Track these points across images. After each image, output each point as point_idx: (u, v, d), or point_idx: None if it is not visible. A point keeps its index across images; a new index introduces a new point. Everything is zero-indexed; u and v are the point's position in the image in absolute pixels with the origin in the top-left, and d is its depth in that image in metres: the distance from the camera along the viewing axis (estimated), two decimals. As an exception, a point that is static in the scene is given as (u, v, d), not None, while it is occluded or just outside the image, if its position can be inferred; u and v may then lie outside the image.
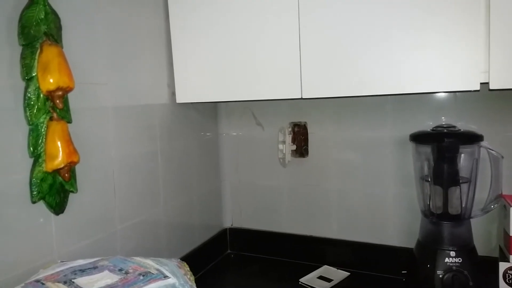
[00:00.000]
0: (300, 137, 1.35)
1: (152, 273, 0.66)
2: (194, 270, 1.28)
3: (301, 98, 1.02)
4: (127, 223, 1.00)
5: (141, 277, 0.65)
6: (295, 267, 1.31)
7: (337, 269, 1.27)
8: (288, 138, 1.31)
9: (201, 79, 1.12)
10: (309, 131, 1.32)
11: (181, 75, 1.16)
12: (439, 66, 0.87)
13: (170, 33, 1.14)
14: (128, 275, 0.66)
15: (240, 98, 1.12)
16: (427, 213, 1.07)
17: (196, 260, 1.30)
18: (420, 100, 1.16)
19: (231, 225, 1.48)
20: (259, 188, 1.42)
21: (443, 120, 1.13)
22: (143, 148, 1.06)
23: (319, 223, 1.34)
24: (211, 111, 1.41)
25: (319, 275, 1.23)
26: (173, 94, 1.17)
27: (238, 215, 1.47)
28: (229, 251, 1.48)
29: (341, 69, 0.96)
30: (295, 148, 1.34)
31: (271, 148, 1.37)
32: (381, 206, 1.24)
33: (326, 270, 1.27)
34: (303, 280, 1.20)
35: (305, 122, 1.33)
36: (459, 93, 1.12)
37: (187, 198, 1.28)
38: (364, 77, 0.94)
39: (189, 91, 1.16)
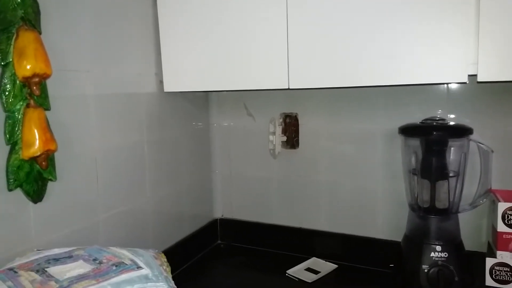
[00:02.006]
0: (292, 128, 1.34)
1: (126, 264, 0.66)
2: (183, 259, 1.30)
3: (288, 89, 1.00)
4: (111, 212, 0.99)
5: (114, 267, 0.64)
6: (284, 259, 1.31)
7: (326, 261, 1.26)
8: (278, 129, 1.30)
9: (189, 68, 1.11)
10: (300, 123, 1.31)
11: (169, 63, 1.14)
12: (428, 57, 0.86)
13: (158, 20, 1.12)
14: (102, 265, 0.65)
15: (228, 88, 1.11)
16: (415, 207, 1.06)
17: (185, 250, 1.30)
18: (411, 92, 1.14)
19: (222, 216, 1.48)
20: (250, 179, 1.41)
21: (435, 113, 1.11)
22: (129, 137, 1.06)
23: (309, 215, 1.33)
24: (202, 101, 1.40)
25: (306, 267, 1.23)
26: (160, 82, 1.15)
27: (228, 206, 1.46)
28: (219, 241, 1.47)
29: (328, 59, 0.94)
30: (285, 140, 1.32)
31: (263, 139, 1.36)
32: (371, 199, 1.23)
33: (314, 262, 1.26)
34: (290, 271, 1.19)
35: (296, 113, 1.32)
36: (450, 86, 1.10)
37: (177, 188, 1.27)
38: (352, 68, 0.92)
39: (177, 80, 1.14)
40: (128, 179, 1.05)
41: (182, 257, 1.29)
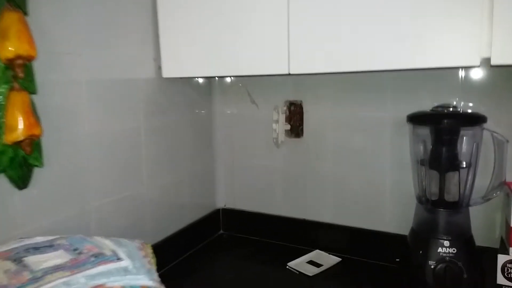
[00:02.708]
0: (296, 117, 1.29)
1: (105, 255, 0.62)
2: (183, 249, 1.27)
3: (289, 74, 0.95)
4: (104, 200, 0.97)
5: (92, 259, 0.61)
6: (287, 251, 1.27)
7: (329, 254, 1.21)
8: (282, 117, 1.25)
9: (188, 53, 1.07)
10: (305, 110, 1.26)
11: (168, 48, 1.10)
12: (438, 40, 0.79)
13: (157, 2, 1.08)
14: (81, 255, 0.62)
15: (228, 73, 1.08)
16: (422, 200, 1.00)
17: (185, 240, 1.27)
18: (422, 78, 1.07)
19: (224, 205, 1.44)
20: (253, 168, 1.37)
21: (446, 101, 1.04)
22: (124, 123, 1.02)
23: (313, 207, 1.28)
24: (204, 88, 1.36)
25: (309, 260, 1.19)
26: (159, 68, 1.12)
27: (231, 196, 1.43)
28: (221, 231, 1.44)
29: (332, 42, 0.89)
30: (289, 128, 1.28)
31: (266, 127, 1.31)
32: (378, 190, 1.17)
33: (317, 254, 1.22)
34: (291, 264, 1.15)
35: (301, 101, 1.26)
36: (463, 71, 1.03)
37: (177, 177, 1.24)
38: (357, 51, 0.87)
39: (176, 65, 1.10)
40: (122, 166, 1.02)
41: (182, 246, 1.27)
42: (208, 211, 1.40)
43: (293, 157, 1.29)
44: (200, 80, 1.33)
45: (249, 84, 1.33)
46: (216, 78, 1.38)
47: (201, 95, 1.34)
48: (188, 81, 1.26)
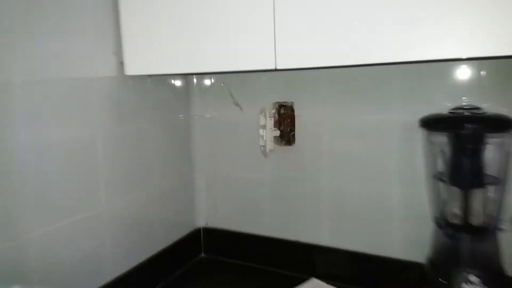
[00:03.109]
0: (287, 121, 1.10)
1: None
2: (157, 276, 1.08)
3: (275, 69, 0.77)
4: (46, 228, 0.77)
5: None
6: (278, 278, 1.09)
7: (327, 283, 1.02)
8: (270, 122, 1.07)
9: (158, 45, 0.88)
10: (296, 114, 1.07)
11: (132, 39, 0.91)
12: (453, 24, 0.61)
13: (116, -15, 0.89)
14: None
15: (204, 69, 0.88)
16: (441, 223, 0.82)
17: (159, 266, 1.08)
18: (435, 74, 0.89)
19: (206, 224, 1.25)
20: (238, 181, 1.18)
21: (465, 101, 0.86)
22: (73, 132, 0.83)
23: (308, 227, 1.09)
24: (180, 88, 1.17)
25: (303, 291, 1.00)
26: (121, 64, 0.93)
27: (213, 213, 1.24)
28: (202, 254, 1.25)
29: (326, 31, 0.71)
30: (278, 134, 1.09)
31: (252, 133, 1.12)
32: (384, 208, 0.99)
33: (313, 284, 1.03)
34: (282, 298, 0.96)
35: (292, 102, 1.08)
36: (485, 66, 0.85)
37: (147, 192, 1.05)
38: (357, 40, 0.69)
39: (142, 60, 0.92)
40: (71, 184, 0.83)
41: (155, 275, 1.08)
42: (187, 231, 1.21)
43: (283, 168, 1.11)
44: (174, 79, 1.14)
45: (232, 84, 1.15)
46: (194, 76, 1.19)
47: (176, 96, 1.16)
48: (159, 80, 1.07)
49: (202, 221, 1.25)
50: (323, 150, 1.05)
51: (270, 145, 1.07)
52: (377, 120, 0.97)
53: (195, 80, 1.19)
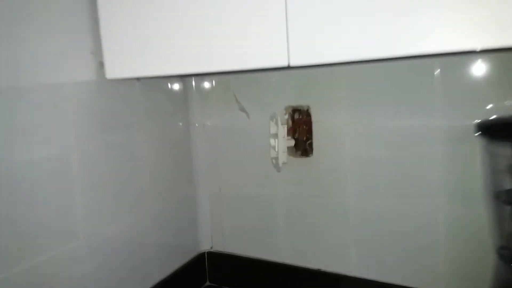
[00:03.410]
0: (303, 128, 0.93)
1: None
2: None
3: (289, 67, 0.60)
4: (4, 274, 0.61)
5: None
6: (295, 314, 0.91)
7: (356, 322, 0.85)
8: (283, 130, 0.90)
9: (145, 41, 0.72)
10: (314, 119, 0.90)
11: (113, 35, 0.75)
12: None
13: (91, -29, 0.73)
14: None
15: (204, 69, 0.71)
16: (506, 256, 0.64)
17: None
18: (492, 67, 0.71)
19: (211, 248, 1.09)
20: (247, 199, 1.01)
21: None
22: (42, 149, 0.67)
23: (331, 253, 0.92)
24: (177, 92, 1.00)
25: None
26: (101, 65, 0.77)
27: (219, 235, 1.07)
28: (208, 283, 1.09)
29: (348, 19, 0.54)
30: (293, 144, 0.92)
31: (262, 143, 0.96)
32: (427, 233, 0.81)
33: (339, 323, 0.86)
34: None
35: (308, 106, 0.91)
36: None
37: (140, 216, 0.89)
38: (387, 28, 0.52)
39: (127, 60, 0.75)
40: (38, 215, 0.67)
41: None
42: (189, 257, 1.05)
43: (300, 183, 0.94)
44: (169, 82, 0.98)
45: (236, 86, 0.98)
46: (192, 78, 1.02)
47: (172, 103, 0.99)
48: (151, 83, 0.91)
49: (206, 245, 1.09)
50: (346, 162, 0.87)
51: (283, 156, 0.90)
52: (414, 125, 0.79)
53: (194, 83, 1.03)
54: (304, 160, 0.93)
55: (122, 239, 0.84)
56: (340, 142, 0.87)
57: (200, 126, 1.04)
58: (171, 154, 0.99)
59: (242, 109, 0.97)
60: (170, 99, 0.98)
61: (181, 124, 1.02)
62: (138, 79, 0.86)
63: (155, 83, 0.93)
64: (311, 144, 0.92)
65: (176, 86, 1.00)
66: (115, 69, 0.76)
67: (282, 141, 0.89)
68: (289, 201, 0.96)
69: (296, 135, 0.95)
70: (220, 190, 1.05)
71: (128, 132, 0.85)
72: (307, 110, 0.92)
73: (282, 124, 0.90)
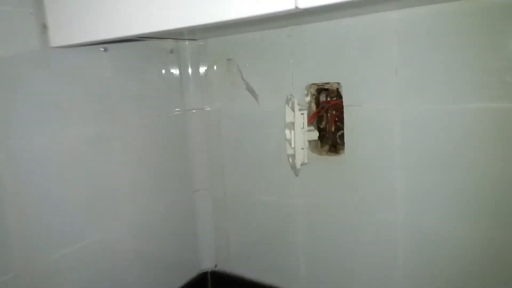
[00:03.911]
0: (331, 114, 0.68)
1: None
2: None
3: (296, 9, 0.35)
4: None
5: None
6: None
7: None
8: (300, 117, 0.64)
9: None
10: (346, 103, 0.64)
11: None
12: None
13: None
14: None
15: (189, 23, 0.47)
16: None
17: None
18: None
19: (215, 266, 0.87)
20: (258, 208, 0.78)
21: None
22: None
23: (367, 281, 0.67)
24: (167, 67, 0.77)
25: None
26: (44, 28, 0.55)
27: (224, 251, 0.85)
28: (211, 310, 0.87)
29: None
30: (317, 137, 0.67)
31: (276, 134, 0.71)
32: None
33: None
34: None
35: (338, 83, 0.65)
36: None
37: (119, 228, 0.68)
38: None
39: (81, 21, 0.53)
40: None
41: None
42: (189, 277, 0.85)
43: (326, 191, 0.69)
44: (155, 53, 0.75)
45: (241, 58, 0.74)
46: (187, 52, 0.79)
47: (161, 82, 0.76)
48: (126, 54, 0.68)
49: (209, 263, 0.87)
50: (394, 163, 0.61)
51: (301, 154, 0.65)
52: (495, 108, 0.52)
53: (188, 55, 0.79)
54: (333, 159, 0.67)
55: (98, 254, 0.63)
56: (385, 134, 0.61)
57: (198, 113, 0.81)
58: (162, 149, 0.76)
59: (250, 90, 0.73)
60: (156, 77, 0.75)
61: (174, 110, 0.79)
62: (104, 47, 0.63)
63: (133, 53, 0.70)
64: (342, 137, 0.66)
65: (165, 60, 0.76)
66: (64, 35, 0.55)
67: (300, 133, 0.64)
68: (312, 214, 0.71)
69: (322, 125, 0.69)
70: (225, 195, 0.82)
71: (101, 123, 0.64)
72: (337, 89, 0.66)
73: (300, 109, 0.65)
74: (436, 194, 0.58)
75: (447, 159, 0.57)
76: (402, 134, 0.60)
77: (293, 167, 0.66)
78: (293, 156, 0.65)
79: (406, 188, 0.61)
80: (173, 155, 0.79)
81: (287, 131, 0.67)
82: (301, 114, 0.63)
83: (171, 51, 0.76)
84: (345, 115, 0.64)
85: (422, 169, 0.59)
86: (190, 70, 0.79)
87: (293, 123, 0.64)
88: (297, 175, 0.69)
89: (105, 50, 0.64)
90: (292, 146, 0.64)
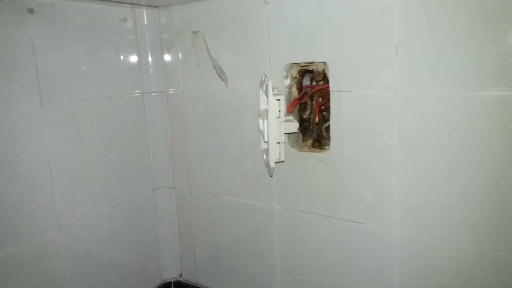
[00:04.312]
0: (316, 101, 0.56)
1: None
2: None
3: None
4: None
5: None
6: None
7: None
8: (276, 104, 0.52)
9: None
10: (333, 88, 0.52)
11: None
12: None
13: None
14: None
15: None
16: None
17: None
18: None
19: (179, 276, 0.75)
20: (228, 210, 0.66)
21: None
22: None
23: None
24: (119, 39, 0.64)
25: None
26: None
27: (190, 259, 0.73)
28: (174, 325, 0.75)
29: None
30: (296, 128, 0.54)
31: (247, 126, 0.59)
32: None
33: None
34: None
35: (324, 63, 0.52)
36: None
37: (70, 227, 0.56)
38: None
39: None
40: None
41: None
42: (150, 287, 0.72)
43: (308, 195, 0.57)
44: (103, 18, 0.61)
45: (209, 29, 0.61)
46: (144, 17, 0.66)
47: (112, 56, 0.63)
48: (63, 19, 0.55)
49: (173, 271, 0.75)
50: (391, 162, 0.49)
51: (277, 150, 0.53)
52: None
53: (146, 24, 0.66)
54: (317, 156, 0.55)
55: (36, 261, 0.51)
56: (381, 127, 0.49)
57: (160, 96, 0.68)
58: (115, 138, 0.64)
59: (218, 69, 0.60)
60: (106, 51, 0.62)
61: (128, 92, 0.66)
62: (29, 8, 0.50)
63: (71, 20, 0.57)
64: (328, 130, 0.54)
65: (118, 31, 0.63)
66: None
67: (275, 124, 0.51)
68: (291, 221, 0.59)
69: (305, 114, 0.57)
70: (191, 194, 0.70)
71: (28, 106, 0.51)
72: (323, 71, 0.54)
73: (276, 94, 0.52)
74: (440, 202, 0.47)
75: (454, 159, 0.45)
76: (401, 128, 0.47)
77: (267, 165, 0.54)
78: (268, 151, 0.53)
79: (404, 194, 0.49)
80: (130, 146, 0.66)
81: (260, 121, 0.54)
82: (277, 100, 0.51)
83: (124, 20, 0.62)
84: (332, 103, 0.52)
85: (423, 171, 0.47)
86: (149, 45, 0.66)
87: (266, 111, 0.52)
88: (271, 175, 0.57)
89: (30, 11, 0.51)
90: (265, 139, 0.52)
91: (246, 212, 0.63)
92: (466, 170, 0.44)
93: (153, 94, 0.68)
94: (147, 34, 0.65)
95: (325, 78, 0.55)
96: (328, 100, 0.53)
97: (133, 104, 0.66)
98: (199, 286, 0.72)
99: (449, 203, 0.46)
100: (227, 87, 0.60)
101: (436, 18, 0.43)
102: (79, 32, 0.57)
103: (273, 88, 0.52)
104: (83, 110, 0.58)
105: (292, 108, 0.55)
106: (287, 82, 0.56)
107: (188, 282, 0.73)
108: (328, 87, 0.52)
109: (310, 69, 0.56)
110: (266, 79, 0.51)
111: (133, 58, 0.65)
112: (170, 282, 0.74)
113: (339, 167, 0.53)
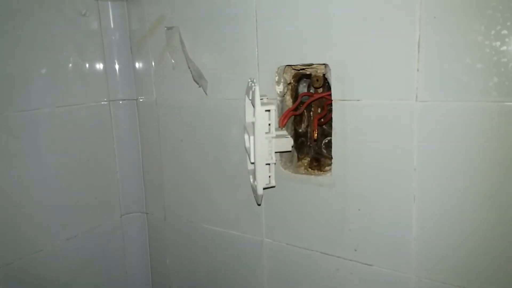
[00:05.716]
0: (315, 111, 0.46)
1: None
2: None
3: None
4: None
5: None
6: None
7: None
8: (264, 116, 0.41)
9: None
10: (335, 96, 0.41)
11: None
12: None
13: None
14: None
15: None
16: None
17: None
18: None
19: (152, 316, 0.64)
20: (208, 238, 0.55)
21: None
22: None
23: None
24: (81, 36, 0.54)
25: None
26: None
27: (165, 296, 0.62)
28: None
29: None
30: (291, 146, 0.44)
31: (234, 139, 0.49)
32: None
33: None
34: None
35: (326, 65, 0.42)
36: None
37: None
38: None
39: None
40: None
41: None
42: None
43: (302, 227, 0.46)
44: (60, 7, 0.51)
45: (185, 24, 0.50)
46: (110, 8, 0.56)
47: (77, 54, 0.53)
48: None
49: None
50: (405, 187, 0.39)
51: (266, 172, 0.42)
52: None
53: (112, 24, 0.56)
54: (315, 179, 0.45)
55: None
56: (396, 145, 0.39)
57: (129, 105, 0.58)
58: (76, 154, 0.53)
59: (196, 73, 0.49)
60: (61, 49, 0.52)
61: (92, 99, 0.55)
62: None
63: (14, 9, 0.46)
64: (329, 147, 0.44)
65: (77, 26, 0.53)
66: None
67: (263, 141, 0.41)
68: (282, 259, 0.48)
69: (301, 128, 0.47)
70: (165, 221, 0.59)
71: None
72: (325, 76, 0.44)
73: (265, 103, 0.41)
74: (469, 240, 0.36)
75: (489, 184, 0.35)
76: (423, 146, 0.37)
77: (254, 191, 0.44)
78: (254, 174, 0.42)
79: (424, 230, 0.39)
80: (92, 163, 0.56)
81: (246, 137, 0.44)
82: (266, 111, 0.40)
83: (84, 14, 0.52)
84: (334, 115, 0.42)
85: (450, 201, 0.37)
86: (115, 44, 0.55)
87: (253, 124, 0.41)
88: (259, 203, 0.46)
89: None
90: (251, 160, 0.41)
91: (229, 244, 0.53)
92: (501, 199, 0.34)
93: (121, 102, 0.57)
94: (113, 34, 0.55)
95: (325, 84, 0.45)
96: (330, 111, 0.42)
97: (96, 114, 0.55)
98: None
99: (480, 241, 0.36)
100: (206, 94, 0.49)
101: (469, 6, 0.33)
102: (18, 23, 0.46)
103: (261, 96, 0.42)
104: (38, 120, 0.48)
105: (285, 121, 0.44)
106: (279, 88, 0.45)
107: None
108: (329, 95, 0.42)
109: (308, 73, 0.46)
110: (253, 84, 0.41)
111: (96, 60, 0.55)
112: (141, 323, 0.63)
113: (343, 193, 0.43)
